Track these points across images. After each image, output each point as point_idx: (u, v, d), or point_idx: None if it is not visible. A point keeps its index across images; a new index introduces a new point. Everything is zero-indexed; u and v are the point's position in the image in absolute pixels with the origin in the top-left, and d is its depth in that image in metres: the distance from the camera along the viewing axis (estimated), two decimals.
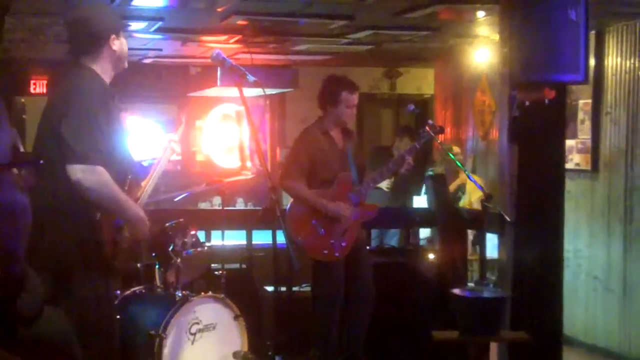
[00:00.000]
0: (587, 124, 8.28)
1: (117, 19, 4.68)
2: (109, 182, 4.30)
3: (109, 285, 4.58)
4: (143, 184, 4.88)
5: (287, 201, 6.47)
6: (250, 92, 5.05)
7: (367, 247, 7.03)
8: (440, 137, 6.63)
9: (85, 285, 4.38)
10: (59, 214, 4.33)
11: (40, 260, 4.22)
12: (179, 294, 5.85)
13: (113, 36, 4.51)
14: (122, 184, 4.46)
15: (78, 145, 4.22)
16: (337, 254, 6.27)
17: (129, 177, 4.61)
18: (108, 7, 4.88)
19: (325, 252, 6.25)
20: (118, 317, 4.93)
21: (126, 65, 4.66)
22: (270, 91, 10.14)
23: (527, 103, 6.20)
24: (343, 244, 6.28)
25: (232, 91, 4.75)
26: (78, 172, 4.21)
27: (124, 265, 4.81)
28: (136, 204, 4.61)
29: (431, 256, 7.48)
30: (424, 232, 9.42)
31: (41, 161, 4.53)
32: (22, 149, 6.77)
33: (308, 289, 6.79)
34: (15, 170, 4.10)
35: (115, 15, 4.72)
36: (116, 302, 5.36)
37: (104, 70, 4.52)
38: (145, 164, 5.06)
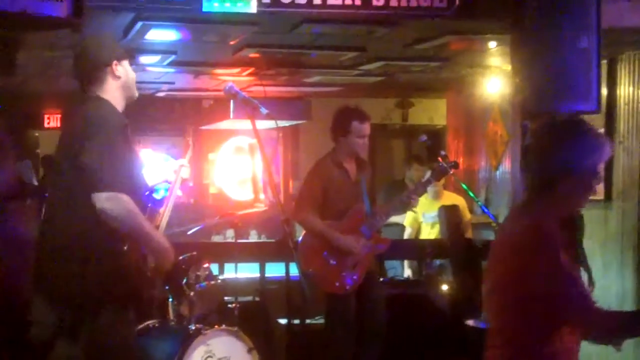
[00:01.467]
0: None
1: (118, 46, 4.72)
2: (134, 211, 4.28)
3: (131, 317, 4.57)
4: (161, 211, 4.89)
5: (300, 233, 6.46)
6: (263, 124, 5.04)
7: (380, 279, 7.00)
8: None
9: (111, 319, 4.35)
10: (83, 246, 4.30)
11: (60, 293, 4.22)
12: (192, 327, 5.84)
13: (115, 62, 4.53)
14: (143, 212, 4.46)
15: (102, 174, 4.19)
16: (348, 287, 6.25)
17: (149, 205, 4.61)
18: (109, 36, 4.92)
19: (337, 284, 6.24)
20: None
21: (136, 94, 4.67)
22: (282, 123, 10.16)
23: None
24: (354, 277, 6.27)
25: (245, 124, 4.75)
26: (103, 200, 4.18)
27: (150, 295, 4.80)
28: (160, 233, 4.60)
29: (444, 287, 7.45)
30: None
31: (46, 194, 4.53)
32: (35, 182, 6.79)
33: (321, 321, 6.78)
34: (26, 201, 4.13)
35: (115, 43, 4.80)
36: None
37: (114, 99, 4.53)
38: (158, 189, 5.06)
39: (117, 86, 4.54)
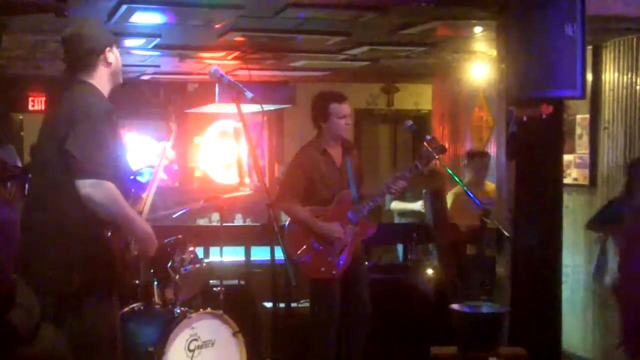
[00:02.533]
0: (585, 139, 8.29)
1: (110, 34, 4.69)
2: (118, 198, 4.27)
3: (115, 303, 4.57)
4: (144, 196, 4.88)
5: (286, 218, 6.47)
6: (248, 108, 5.05)
7: (366, 264, 7.01)
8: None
9: (95, 305, 4.35)
10: (66, 232, 4.30)
11: (44, 280, 4.22)
12: (177, 310, 5.85)
13: (108, 49, 4.53)
14: (126, 198, 4.45)
15: (86, 161, 4.19)
16: (334, 272, 6.26)
17: (132, 190, 4.61)
18: (100, 22, 4.89)
19: (323, 269, 6.24)
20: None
21: (121, 80, 4.67)
22: (268, 107, 10.15)
23: (524, 119, 6.22)
24: (341, 262, 6.27)
25: (230, 107, 4.75)
26: (87, 187, 4.18)
27: (130, 280, 4.80)
28: (143, 219, 4.59)
29: (430, 272, 7.48)
30: None
31: (29, 175, 4.52)
32: (19, 165, 6.76)
33: (306, 304, 6.79)
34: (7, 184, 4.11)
35: (107, 30, 4.77)
36: None
37: (101, 85, 4.53)
38: (143, 172, 5.04)
39: (106, 72, 4.54)
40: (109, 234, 4.33)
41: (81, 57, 4.52)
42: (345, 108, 6.37)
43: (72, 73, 4.54)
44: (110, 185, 4.22)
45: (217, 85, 9.39)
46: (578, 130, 8.38)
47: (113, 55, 4.56)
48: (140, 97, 12.10)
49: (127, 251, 4.47)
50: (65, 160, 4.21)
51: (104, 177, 4.21)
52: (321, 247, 6.23)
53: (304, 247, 6.22)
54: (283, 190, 6.52)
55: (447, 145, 11.14)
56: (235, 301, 6.70)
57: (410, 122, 6.63)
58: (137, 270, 5.88)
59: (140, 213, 4.71)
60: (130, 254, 4.51)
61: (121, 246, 4.42)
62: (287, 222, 6.38)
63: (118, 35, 7.09)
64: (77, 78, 4.50)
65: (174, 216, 6.64)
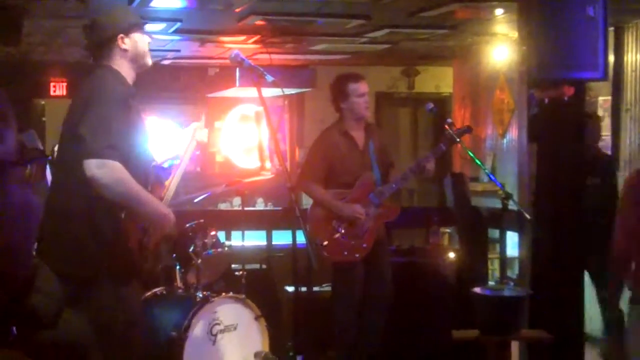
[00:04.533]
0: (607, 121, 8.25)
1: (128, 19, 4.62)
2: (126, 178, 4.23)
3: (134, 289, 4.57)
4: (167, 182, 4.87)
5: (308, 201, 6.47)
6: (269, 92, 5.05)
7: (389, 247, 7.00)
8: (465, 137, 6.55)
9: (111, 291, 4.34)
10: (81, 216, 4.31)
11: (60, 264, 4.22)
12: (199, 294, 5.87)
13: (121, 35, 4.49)
14: (144, 182, 4.44)
15: (93, 142, 4.16)
16: (357, 255, 6.26)
17: (151, 176, 4.60)
18: (120, 8, 4.82)
19: (346, 253, 6.24)
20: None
21: (149, 62, 4.63)
22: (288, 91, 10.15)
23: (546, 101, 6.18)
24: (363, 245, 6.27)
25: (251, 91, 4.76)
26: (93, 167, 4.15)
27: (152, 267, 4.79)
28: (159, 200, 4.58)
29: (451, 255, 7.46)
30: None
31: (50, 157, 4.53)
32: (40, 147, 6.78)
33: (328, 288, 6.80)
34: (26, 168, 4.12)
35: (125, 15, 4.67)
36: None
37: (123, 68, 4.52)
38: (166, 165, 5.04)
39: (125, 58, 4.53)
40: (123, 215, 4.32)
41: (96, 44, 4.54)
42: (363, 86, 6.38)
43: (94, 59, 4.56)
44: (116, 165, 4.18)
45: (237, 69, 9.37)
46: (600, 112, 8.34)
47: (130, 41, 4.52)
48: (160, 82, 12.13)
49: (146, 236, 4.46)
50: (77, 144, 4.21)
51: (112, 157, 4.17)
52: (344, 230, 6.23)
53: (327, 230, 6.22)
54: (304, 172, 6.53)
55: None
56: (257, 285, 6.72)
57: (431, 105, 6.60)
58: (158, 257, 5.90)
59: (162, 199, 4.70)
60: (150, 240, 4.50)
61: (137, 229, 4.41)
62: (309, 206, 6.38)
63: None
64: (98, 62, 4.52)
65: (196, 201, 6.64)
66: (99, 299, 4.32)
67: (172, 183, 4.90)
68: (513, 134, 9.88)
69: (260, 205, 12.07)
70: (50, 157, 4.68)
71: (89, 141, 4.18)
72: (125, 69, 4.53)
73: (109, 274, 4.33)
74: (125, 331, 4.42)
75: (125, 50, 4.52)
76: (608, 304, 6.89)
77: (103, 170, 4.16)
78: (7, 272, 3.63)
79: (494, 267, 9.50)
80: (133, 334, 4.49)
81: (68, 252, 4.31)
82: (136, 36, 4.57)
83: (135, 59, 4.57)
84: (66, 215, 4.32)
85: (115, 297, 4.36)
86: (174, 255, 6.04)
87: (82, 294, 4.28)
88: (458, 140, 6.25)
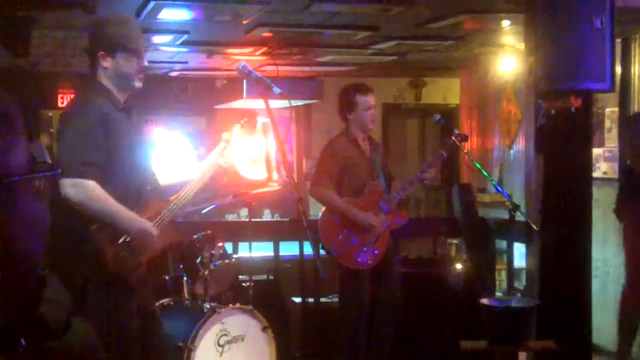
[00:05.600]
0: (614, 132, 8.25)
1: (115, 38, 4.47)
2: (99, 197, 4.28)
3: (120, 297, 4.50)
4: (171, 198, 4.85)
5: (316, 211, 6.47)
6: (276, 103, 5.06)
7: (397, 256, 7.01)
8: (466, 146, 6.58)
9: (102, 302, 4.35)
10: (58, 228, 4.33)
11: (58, 274, 4.24)
12: (207, 305, 5.88)
13: (102, 53, 4.44)
14: (136, 197, 4.46)
15: (68, 160, 4.25)
16: (370, 262, 6.27)
17: (146, 189, 4.59)
18: (120, 23, 4.67)
19: (359, 260, 6.26)
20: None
21: (135, 85, 4.53)
22: (295, 102, 10.17)
23: (553, 112, 6.18)
24: (375, 252, 6.28)
25: (258, 103, 4.76)
26: (67, 186, 4.23)
27: (153, 279, 4.77)
28: (136, 215, 4.48)
29: (459, 266, 7.46)
30: None
31: (59, 170, 4.55)
32: (49, 161, 6.80)
33: (335, 299, 6.80)
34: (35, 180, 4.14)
35: (114, 34, 4.49)
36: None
37: (110, 84, 4.49)
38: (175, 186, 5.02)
39: (106, 75, 4.49)
40: (94, 226, 4.32)
41: (86, 51, 4.55)
42: (371, 99, 6.41)
43: (89, 66, 4.57)
44: (89, 184, 4.24)
45: (245, 81, 9.40)
46: (607, 124, 8.34)
47: (112, 61, 4.45)
48: (168, 94, 12.16)
49: (127, 250, 4.43)
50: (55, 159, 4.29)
51: (86, 174, 4.24)
52: (356, 237, 6.24)
53: (340, 236, 6.23)
54: (317, 179, 6.51)
55: (475, 139, 11.14)
56: (265, 296, 6.72)
57: (438, 116, 6.63)
58: (160, 268, 5.89)
59: (156, 215, 4.64)
60: (135, 254, 4.47)
61: (114, 242, 4.39)
62: (320, 213, 6.39)
63: (147, 32, 7.14)
64: (90, 76, 4.53)
65: (203, 212, 6.66)
66: (91, 310, 4.33)
67: (179, 199, 4.88)
68: (520, 144, 9.87)
69: (267, 216, 12.08)
70: (59, 171, 4.69)
71: (64, 160, 4.29)
72: (110, 85, 4.50)
73: (97, 285, 4.35)
74: (118, 341, 4.41)
75: (105, 68, 4.48)
76: (618, 351, 6.93)
77: (75, 189, 4.25)
78: (17, 284, 3.64)
79: (502, 278, 9.50)
80: (123, 345, 4.48)
81: (59, 263, 4.32)
82: (122, 58, 4.48)
83: (117, 80, 4.50)
84: (57, 227, 4.34)
85: (105, 308, 4.36)
86: (182, 266, 6.05)
87: (78, 304, 4.29)
88: (463, 148, 6.28)
